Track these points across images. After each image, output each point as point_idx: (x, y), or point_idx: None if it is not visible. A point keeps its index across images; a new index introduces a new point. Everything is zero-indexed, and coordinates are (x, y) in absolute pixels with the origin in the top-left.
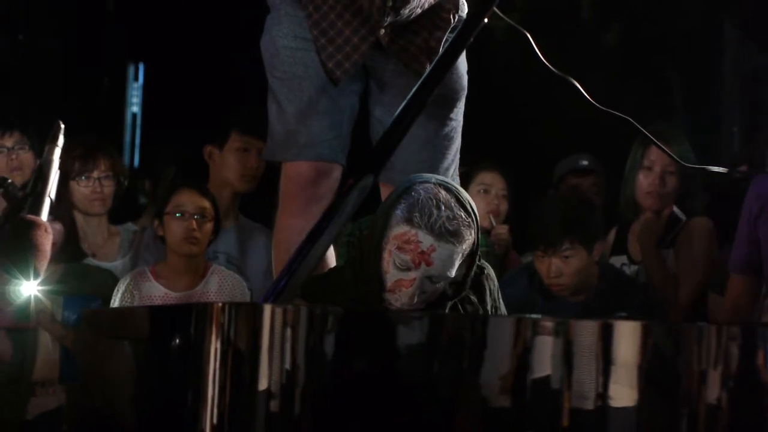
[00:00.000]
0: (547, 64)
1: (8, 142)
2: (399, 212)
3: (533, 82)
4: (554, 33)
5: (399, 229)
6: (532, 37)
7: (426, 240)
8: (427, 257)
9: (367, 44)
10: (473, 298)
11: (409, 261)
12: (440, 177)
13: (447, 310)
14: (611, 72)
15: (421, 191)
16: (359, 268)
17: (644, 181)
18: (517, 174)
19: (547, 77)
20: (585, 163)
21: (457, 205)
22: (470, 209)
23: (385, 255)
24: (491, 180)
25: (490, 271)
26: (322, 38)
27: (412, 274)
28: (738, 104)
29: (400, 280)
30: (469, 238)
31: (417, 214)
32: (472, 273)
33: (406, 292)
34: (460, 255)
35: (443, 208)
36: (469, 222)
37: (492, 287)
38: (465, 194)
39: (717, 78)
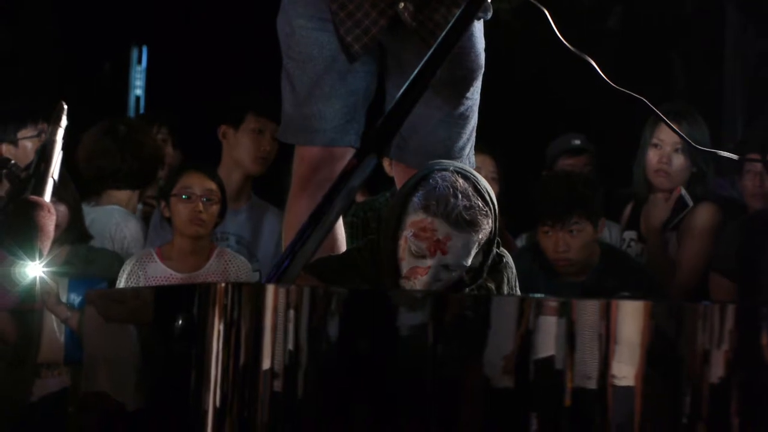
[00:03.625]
0: (563, 41)
1: (44, 127)
2: (416, 199)
3: (525, 64)
4: (555, 16)
5: (415, 216)
6: (540, 18)
7: (442, 229)
8: (443, 246)
9: (386, 18)
10: (491, 285)
11: (425, 249)
12: (459, 164)
13: None
14: (612, 57)
15: (438, 179)
16: (376, 251)
17: (653, 159)
18: (509, 156)
19: (538, 59)
20: (577, 142)
21: (474, 194)
22: (488, 198)
23: (401, 242)
24: (481, 163)
25: (509, 259)
26: (341, 12)
27: (428, 262)
28: (740, 89)
29: (415, 268)
30: (486, 227)
31: (434, 202)
32: (490, 260)
33: (421, 279)
34: (477, 244)
35: (460, 197)
36: (486, 211)
37: (510, 275)
38: (483, 182)
39: (719, 63)
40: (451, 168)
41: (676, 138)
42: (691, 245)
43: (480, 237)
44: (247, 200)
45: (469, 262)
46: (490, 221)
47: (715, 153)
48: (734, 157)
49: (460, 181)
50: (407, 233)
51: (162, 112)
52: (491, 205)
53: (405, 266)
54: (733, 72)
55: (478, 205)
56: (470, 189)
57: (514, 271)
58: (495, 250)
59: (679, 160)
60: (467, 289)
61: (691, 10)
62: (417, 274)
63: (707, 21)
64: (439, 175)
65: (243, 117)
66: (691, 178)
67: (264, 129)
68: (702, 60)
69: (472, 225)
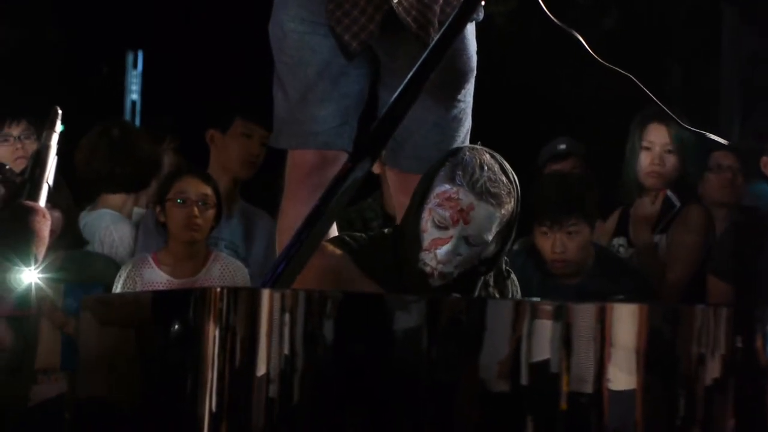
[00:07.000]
0: (551, 17)
1: (15, 131)
2: (443, 172)
3: (519, 68)
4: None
5: (441, 188)
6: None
7: (466, 198)
8: (466, 215)
9: (382, 13)
10: (495, 294)
11: (448, 218)
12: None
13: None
14: (608, 57)
15: (467, 152)
16: (400, 231)
17: (645, 161)
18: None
19: (532, 62)
20: (562, 147)
21: (500, 171)
22: (512, 179)
23: (425, 214)
24: None
25: (514, 277)
26: (337, 11)
27: (450, 233)
28: (736, 89)
29: (436, 239)
30: (509, 204)
31: (460, 172)
32: (506, 249)
33: (442, 249)
34: (498, 220)
35: (486, 169)
36: (510, 189)
37: (515, 293)
38: (509, 166)
39: (715, 63)
40: (480, 147)
41: (665, 139)
42: (682, 246)
43: (502, 213)
44: (236, 205)
45: (490, 238)
46: (512, 200)
47: (704, 135)
48: (724, 142)
49: (487, 156)
50: (432, 204)
51: (168, 122)
52: (515, 186)
53: (427, 238)
54: (729, 72)
55: (503, 181)
56: (497, 166)
57: (519, 290)
58: (512, 236)
59: (671, 161)
60: (481, 279)
61: (687, 11)
62: (438, 244)
63: (703, 21)
64: (467, 149)
65: (231, 121)
66: (678, 180)
67: (252, 133)
68: (698, 60)
69: (496, 198)
